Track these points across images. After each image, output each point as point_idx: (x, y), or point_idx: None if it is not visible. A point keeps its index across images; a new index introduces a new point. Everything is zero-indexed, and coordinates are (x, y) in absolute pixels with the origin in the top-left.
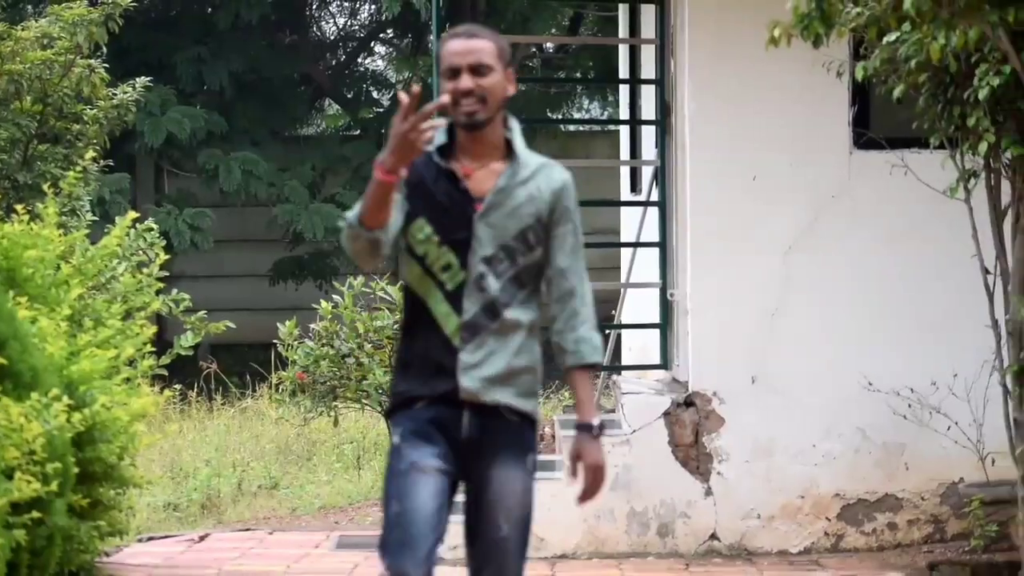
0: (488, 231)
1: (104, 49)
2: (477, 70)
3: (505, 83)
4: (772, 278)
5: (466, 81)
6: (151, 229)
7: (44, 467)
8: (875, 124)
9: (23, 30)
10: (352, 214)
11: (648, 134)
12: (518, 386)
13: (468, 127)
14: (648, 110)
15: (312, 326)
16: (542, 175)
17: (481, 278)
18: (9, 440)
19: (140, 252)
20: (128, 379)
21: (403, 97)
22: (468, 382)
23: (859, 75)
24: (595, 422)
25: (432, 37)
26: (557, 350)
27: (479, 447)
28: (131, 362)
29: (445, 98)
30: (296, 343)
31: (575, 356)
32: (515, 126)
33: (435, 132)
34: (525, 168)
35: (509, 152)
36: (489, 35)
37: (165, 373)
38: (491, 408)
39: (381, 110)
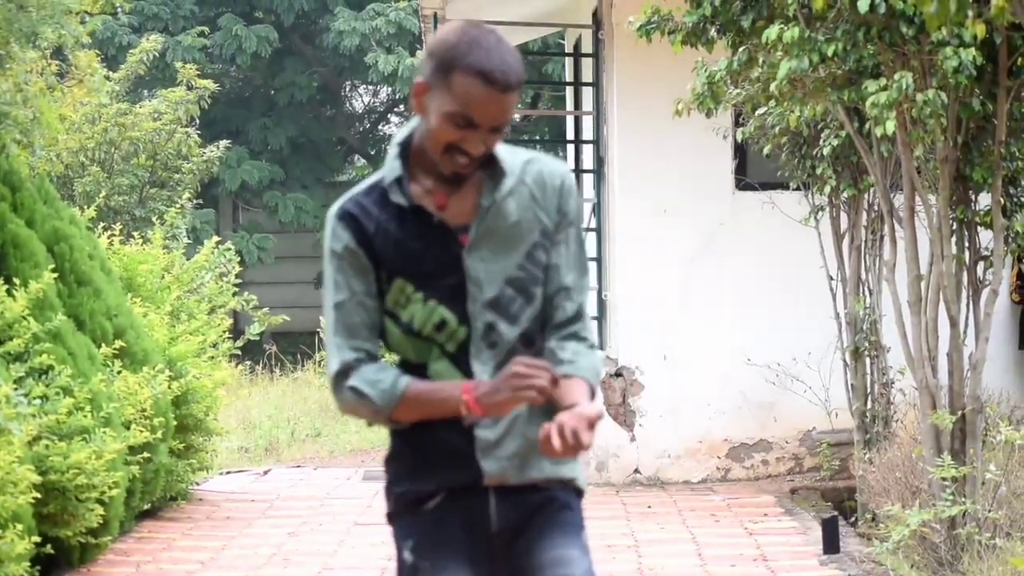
0: (485, 267)
1: (197, 120)
2: (498, 129)
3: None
4: (677, 284)
5: (479, 146)
6: (229, 249)
7: (152, 421)
8: (751, 172)
9: (140, 107)
10: (379, 395)
11: (588, 179)
12: (554, 459)
13: (448, 180)
14: (587, 161)
15: None
16: (532, 173)
17: (490, 329)
18: (127, 401)
19: (221, 266)
20: (212, 357)
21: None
22: (492, 466)
23: (739, 137)
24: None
25: None
26: (551, 358)
27: (516, 536)
28: (214, 345)
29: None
30: None
31: (571, 366)
32: None
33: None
34: (509, 172)
35: (486, 161)
36: (521, 76)
37: (239, 353)
38: (525, 487)
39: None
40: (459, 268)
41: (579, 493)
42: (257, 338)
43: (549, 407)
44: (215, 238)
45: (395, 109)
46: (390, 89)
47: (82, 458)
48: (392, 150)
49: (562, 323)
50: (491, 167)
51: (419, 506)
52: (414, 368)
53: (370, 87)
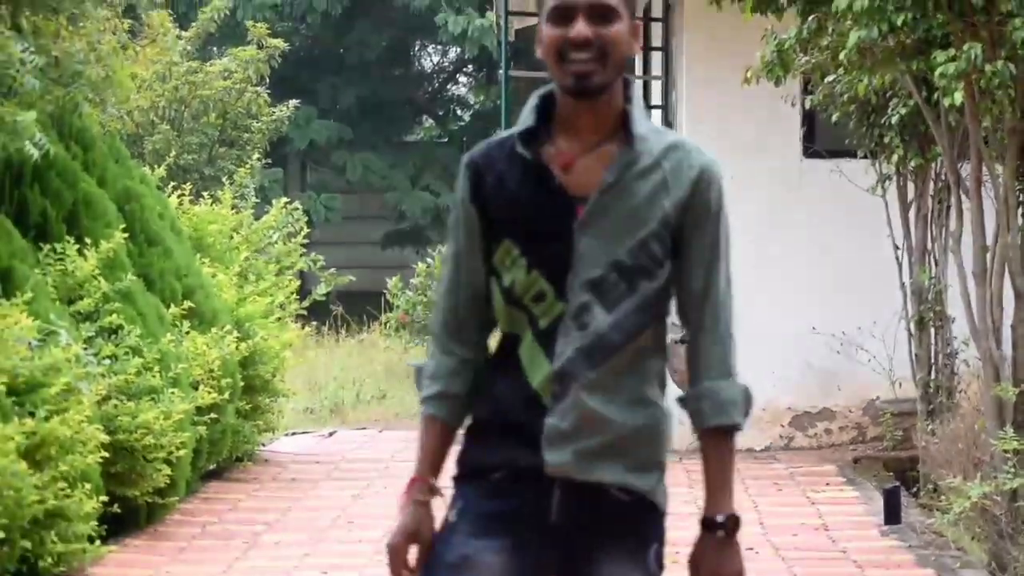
0: (593, 244)
1: (267, 80)
2: (599, 14)
3: (631, 38)
4: (745, 251)
5: (582, 28)
6: (297, 208)
7: (219, 382)
8: (819, 140)
9: (211, 66)
10: (422, 388)
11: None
12: (632, 456)
13: (578, 93)
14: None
15: (412, 280)
16: (672, 160)
17: (583, 310)
18: (195, 362)
19: (289, 225)
20: (279, 318)
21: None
22: (556, 456)
23: (807, 105)
24: (721, 517)
25: (501, 71)
26: (681, 405)
27: (575, 537)
28: (282, 306)
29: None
30: (400, 292)
31: (696, 417)
32: (636, 95)
33: None
34: (646, 152)
35: (626, 131)
36: None
37: (305, 314)
38: (593, 486)
39: (463, 123)
40: (568, 239)
41: (656, 509)
42: (324, 299)
43: (637, 398)
44: (284, 199)
45: (464, 69)
46: (459, 49)
47: (150, 418)
48: (529, 102)
49: (690, 332)
50: (630, 144)
51: (482, 476)
52: (507, 341)
53: (439, 47)
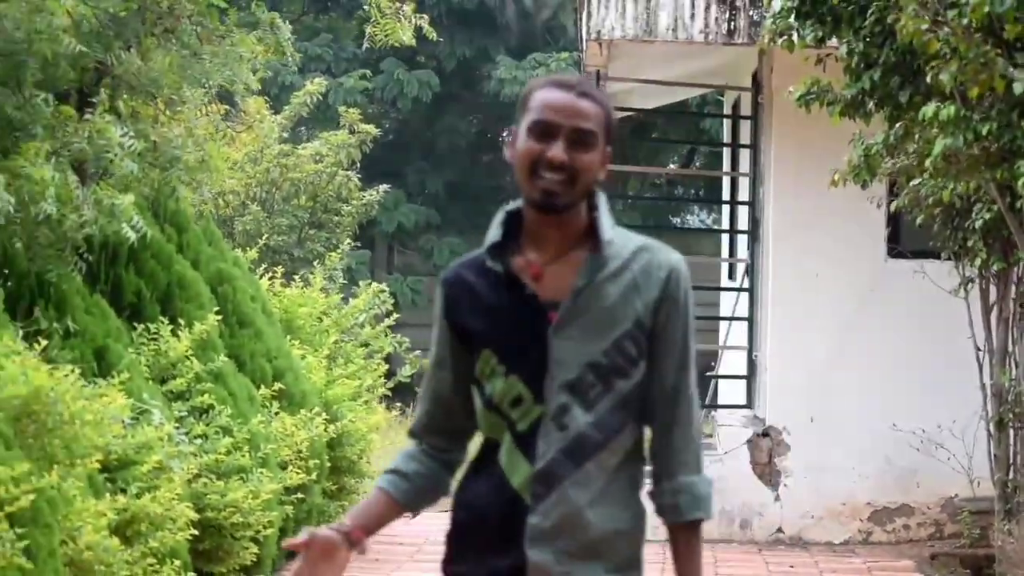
0: (569, 347)
1: (358, 164)
2: (577, 138)
3: (601, 164)
4: (827, 347)
5: (559, 151)
6: (384, 291)
7: (307, 462)
8: (903, 241)
9: (302, 149)
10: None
11: (742, 239)
12: (610, 557)
13: (543, 209)
14: (742, 222)
15: None
16: (641, 261)
17: (562, 411)
18: (284, 442)
19: (376, 307)
20: (366, 401)
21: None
22: (539, 556)
23: (893, 207)
24: None
25: None
26: (652, 500)
27: None
28: (369, 389)
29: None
30: None
31: (672, 512)
32: (602, 203)
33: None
34: (615, 255)
35: (593, 239)
36: (601, 97)
37: (390, 395)
38: None
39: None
40: (543, 345)
41: None
42: (408, 380)
43: (618, 499)
44: (375, 285)
45: None
46: None
47: (239, 497)
48: (496, 218)
49: (660, 428)
50: (596, 247)
51: None
52: (486, 445)
53: None
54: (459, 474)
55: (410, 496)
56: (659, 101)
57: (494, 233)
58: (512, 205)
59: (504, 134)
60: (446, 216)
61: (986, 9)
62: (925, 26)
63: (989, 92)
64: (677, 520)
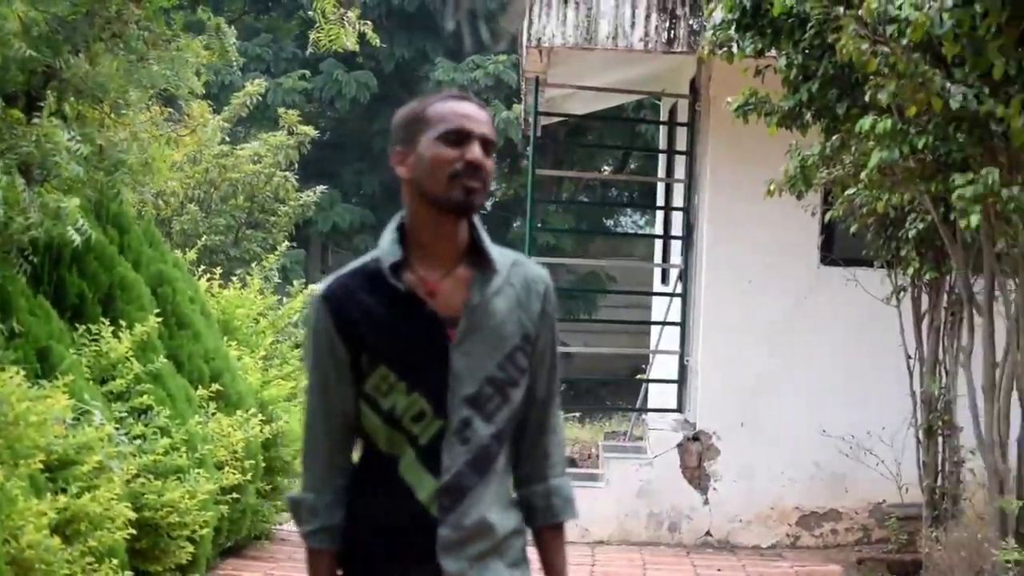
0: (468, 362)
1: (295, 165)
2: (485, 146)
3: None
4: (758, 353)
5: (477, 153)
6: (309, 289)
7: (243, 463)
8: (836, 248)
9: (240, 150)
10: (306, 526)
11: (676, 244)
12: (509, 555)
13: (460, 209)
14: (676, 228)
15: None
16: (519, 276)
17: (465, 425)
18: (221, 443)
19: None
20: (301, 402)
21: None
22: (454, 564)
23: (828, 217)
24: None
25: (526, 161)
26: (522, 501)
27: None
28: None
29: None
30: None
31: (546, 513)
32: (476, 220)
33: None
34: (498, 272)
35: (471, 254)
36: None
37: None
38: None
39: (484, 212)
40: (444, 360)
41: None
42: None
43: (508, 502)
44: (310, 286)
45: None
46: None
47: (176, 497)
48: (388, 235)
49: (534, 434)
50: (481, 263)
51: None
52: (382, 461)
53: None
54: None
55: (340, 542)
56: (596, 106)
57: (392, 250)
58: (398, 220)
59: (391, 155)
60: (381, 217)
61: (925, 29)
62: (865, 45)
63: (926, 108)
64: (550, 521)
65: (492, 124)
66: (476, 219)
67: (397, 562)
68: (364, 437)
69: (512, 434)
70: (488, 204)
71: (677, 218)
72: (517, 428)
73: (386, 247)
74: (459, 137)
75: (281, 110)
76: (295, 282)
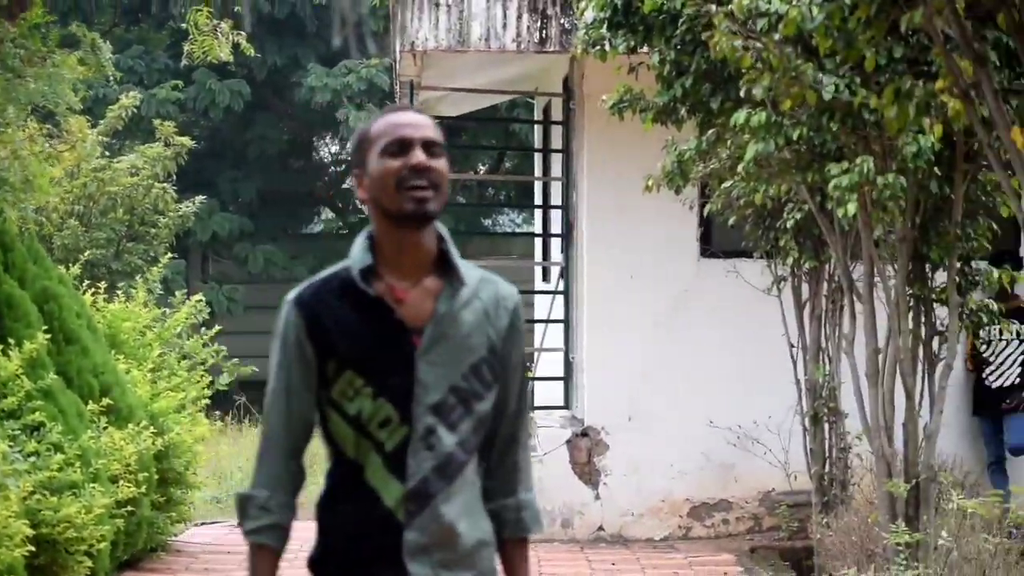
0: (433, 371)
1: (174, 176)
2: (430, 148)
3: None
4: (643, 347)
5: (421, 155)
6: (201, 300)
7: (136, 476)
8: (716, 240)
9: (118, 163)
10: (248, 522)
11: (556, 242)
12: (478, 566)
13: (414, 217)
14: (555, 226)
15: None
16: (486, 292)
17: (429, 432)
18: (114, 457)
19: (193, 317)
20: (191, 413)
21: None
22: (419, 568)
23: (706, 210)
24: None
25: None
26: (491, 513)
27: None
28: (194, 401)
29: None
30: None
31: (516, 527)
32: (446, 234)
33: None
34: (467, 285)
35: (440, 266)
36: (427, 115)
37: (209, 403)
38: None
39: (363, 215)
40: (410, 368)
41: None
42: (227, 388)
43: (477, 512)
44: (196, 296)
45: None
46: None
47: (72, 512)
48: (359, 242)
49: (503, 447)
50: (450, 275)
51: None
52: (350, 467)
53: (338, 140)
54: (317, 499)
55: (286, 543)
56: (470, 107)
57: (363, 257)
58: (368, 230)
59: (351, 179)
60: (259, 224)
61: (797, 24)
62: (738, 42)
63: (801, 101)
64: (519, 535)
65: (435, 128)
66: (445, 232)
67: (365, 567)
68: (332, 446)
69: (479, 446)
70: (366, 208)
71: (556, 216)
72: (486, 441)
73: (357, 255)
74: (400, 146)
75: (157, 121)
76: (177, 293)
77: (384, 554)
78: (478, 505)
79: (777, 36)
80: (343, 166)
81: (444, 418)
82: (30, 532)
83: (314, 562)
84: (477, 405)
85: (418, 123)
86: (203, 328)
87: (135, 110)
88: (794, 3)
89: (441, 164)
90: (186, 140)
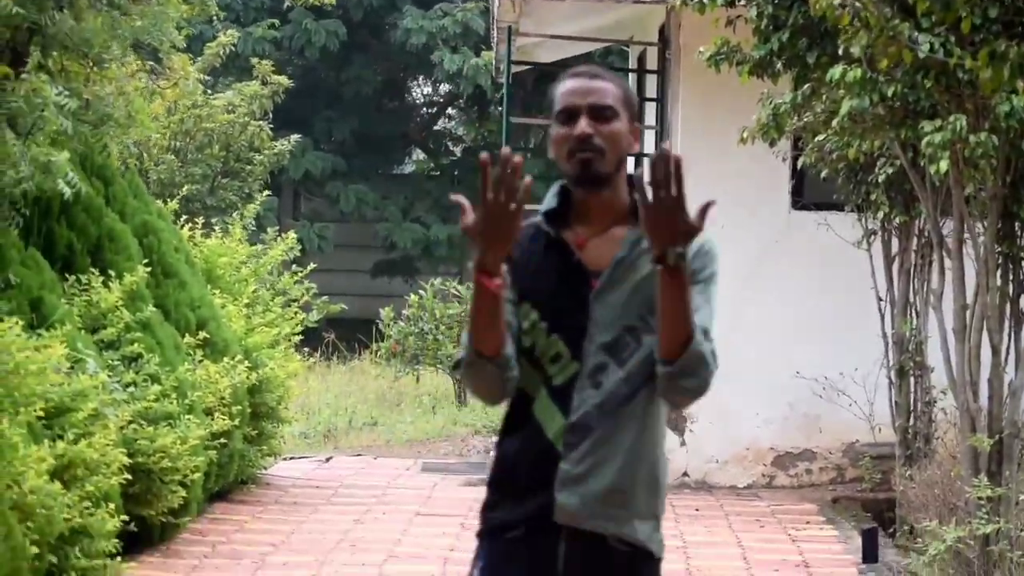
0: (608, 312)
1: (270, 115)
2: (598, 113)
3: (630, 136)
4: (732, 297)
5: (584, 125)
6: (293, 238)
7: (230, 409)
8: (807, 193)
9: (215, 99)
10: (463, 347)
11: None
12: (632, 507)
13: (583, 182)
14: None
15: (404, 311)
16: None
17: (598, 370)
18: (208, 390)
19: (287, 255)
20: (284, 349)
21: (484, 158)
22: (568, 498)
23: (799, 163)
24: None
25: (496, 108)
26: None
27: None
28: (287, 336)
29: (506, 149)
30: (392, 323)
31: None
32: (643, 184)
33: (528, 194)
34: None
35: (634, 216)
36: (615, 79)
37: (299, 340)
38: (596, 537)
39: (455, 158)
40: (585, 308)
41: (652, 557)
42: (316, 325)
43: (640, 449)
44: (290, 233)
45: (455, 103)
46: (452, 86)
47: (168, 443)
48: (552, 190)
49: None
50: (637, 223)
51: (501, 533)
52: (521, 398)
53: (431, 82)
54: (497, 431)
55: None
56: (564, 54)
57: (551, 200)
58: (562, 181)
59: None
60: (352, 164)
61: None
62: (837, 0)
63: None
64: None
65: (607, 90)
66: (640, 182)
67: (521, 493)
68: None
69: (646, 375)
70: (457, 151)
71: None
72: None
73: (547, 200)
74: (568, 115)
75: (254, 60)
76: (269, 229)
77: (537, 483)
78: (646, 448)
79: None
80: (435, 108)
81: (615, 356)
82: (127, 461)
83: (487, 486)
84: (647, 337)
85: (587, 89)
86: (294, 265)
87: (232, 48)
88: None
89: (611, 128)
90: (283, 79)
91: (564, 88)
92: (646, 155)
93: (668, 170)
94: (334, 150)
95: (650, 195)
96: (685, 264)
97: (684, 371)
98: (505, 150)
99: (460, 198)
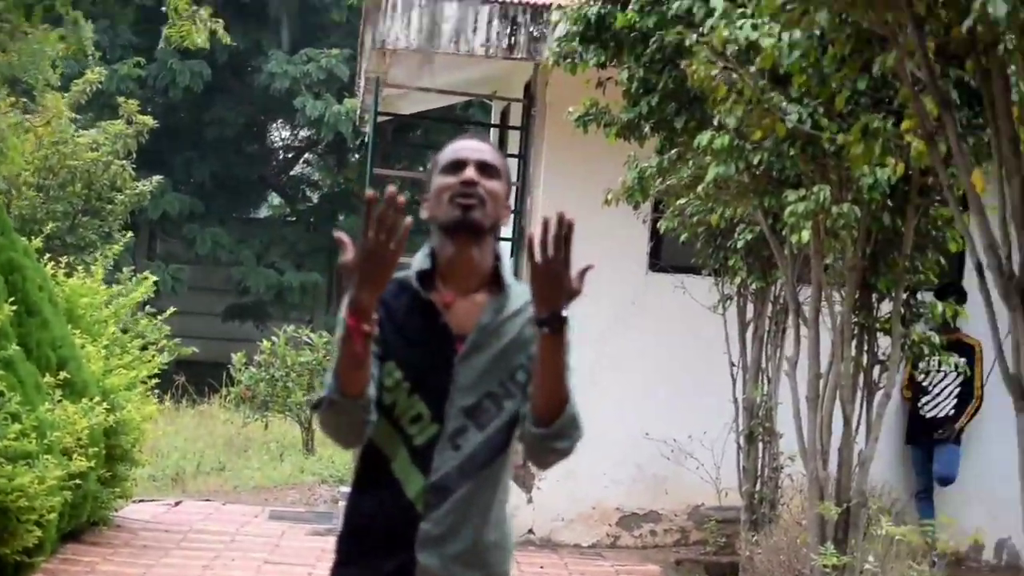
0: (471, 376)
1: (133, 154)
2: (485, 168)
3: (506, 206)
4: (585, 357)
5: (471, 172)
6: (147, 278)
7: (87, 450)
8: (664, 256)
9: (79, 136)
10: (328, 386)
11: (506, 247)
12: (488, 566)
13: (461, 227)
14: (506, 230)
15: (256, 357)
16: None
17: (459, 433)
18: (67, 430)
19: (144, 296)
20: (140, 392)
21: (371, 194)
22: (428, 559)
23: (660, 227)
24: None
25: (354, 156)
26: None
27: None
28: (143, 380)
29: (391, 188)
30: (243, 368)
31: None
32: (503, 255)
33: (407, 236)
34: (515, 300)
35: (495, 284)
36: (491, 142)
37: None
38: None
39: (311, 203)
40: (449, 371)
41: None
42: (166, 367)
43: (495, 514)
44: (147, 274)
45: (314, 148)
46: (312, 131)
47: (26, 482)
48: (421, 251)
49: None
50: (498, 291)
51: None
52: (378, 456)
53: (292, 127)
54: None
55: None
56: (427, 105)
57: (422, 261)
58: (430, 243)
59: (422, 200)
60: (210, 206)
61: (773, 59)
62: (715, 71)
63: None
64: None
65: (494, 153)
66: (501, 251)
67: (379, 552)
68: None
69: (505, 440)
70: (315, 197)
71: (509, 222)
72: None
73: (417, 260)
74: (456, 166)
75: (121, 99)
76: (124, 269)
77: (396, 542)
78: (501, 509)
79: (752, 68)
80: (293, 152)
81: (475, 420)
82: None
83: (338, 541)
84: (508, 403)
85: (476, 147)
86: (147, 306)
87: (99, 85)
88: (768, 34)
89: (493, 184)
90: (148, 119)
91: (454, 146)
92: (514, 211)
93: (560, 232)
94: (192, 191)
95: (538, 256)
96: (567, 327)
97: (559, 434)
98: (391, 189)
99: (343, 235)
